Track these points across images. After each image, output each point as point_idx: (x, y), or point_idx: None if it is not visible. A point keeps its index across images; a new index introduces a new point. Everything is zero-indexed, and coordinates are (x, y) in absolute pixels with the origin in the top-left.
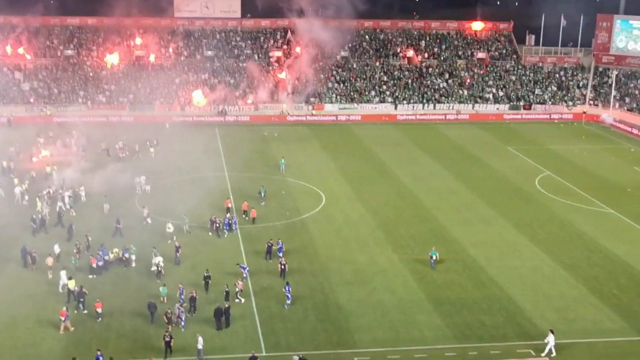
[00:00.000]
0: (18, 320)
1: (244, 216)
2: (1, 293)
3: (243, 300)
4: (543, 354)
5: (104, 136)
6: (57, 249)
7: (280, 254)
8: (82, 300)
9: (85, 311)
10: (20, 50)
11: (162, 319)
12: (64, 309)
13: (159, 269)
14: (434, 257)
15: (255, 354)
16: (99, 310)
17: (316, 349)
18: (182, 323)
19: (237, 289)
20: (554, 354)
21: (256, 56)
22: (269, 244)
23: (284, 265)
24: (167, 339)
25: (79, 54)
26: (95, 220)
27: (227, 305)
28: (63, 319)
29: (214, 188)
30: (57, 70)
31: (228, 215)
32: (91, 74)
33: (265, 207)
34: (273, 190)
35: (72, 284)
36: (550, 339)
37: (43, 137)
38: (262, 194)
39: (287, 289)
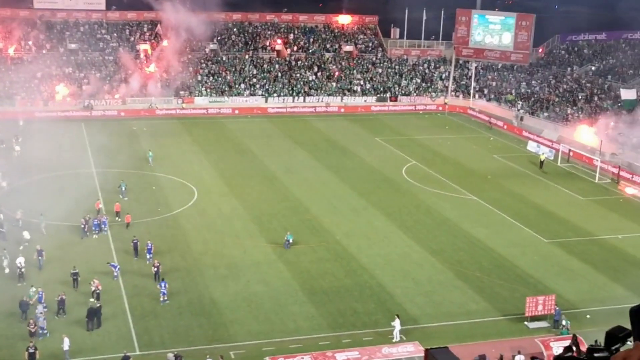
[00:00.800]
0: None
1: (117, 218)
2: None
3: (99, 303)
4: (394, 339)
5: None
6: None
7: (150, 256)
8: None
9: None
10: None
11: (26, 330)
12: None
13: (20, 270)
14: (290, 240)
15: (128, 354)
16: None
17: (191, 345)
18: (44, 331)
19: (93, 288)
20: (397, 338)
21: (122, 49)
22: (135, 241)
23: (157, 267)
24: (32, 351)
25: None
26: None
27: (97, 305)
28: None
29: (80, 186)
30: None
31: (98, 215)
32: None
33: (137, 203)
34: (143, 185)
35: None
36: (396, 324)
37: None
38: (123, 189)
39: (162, 285)
